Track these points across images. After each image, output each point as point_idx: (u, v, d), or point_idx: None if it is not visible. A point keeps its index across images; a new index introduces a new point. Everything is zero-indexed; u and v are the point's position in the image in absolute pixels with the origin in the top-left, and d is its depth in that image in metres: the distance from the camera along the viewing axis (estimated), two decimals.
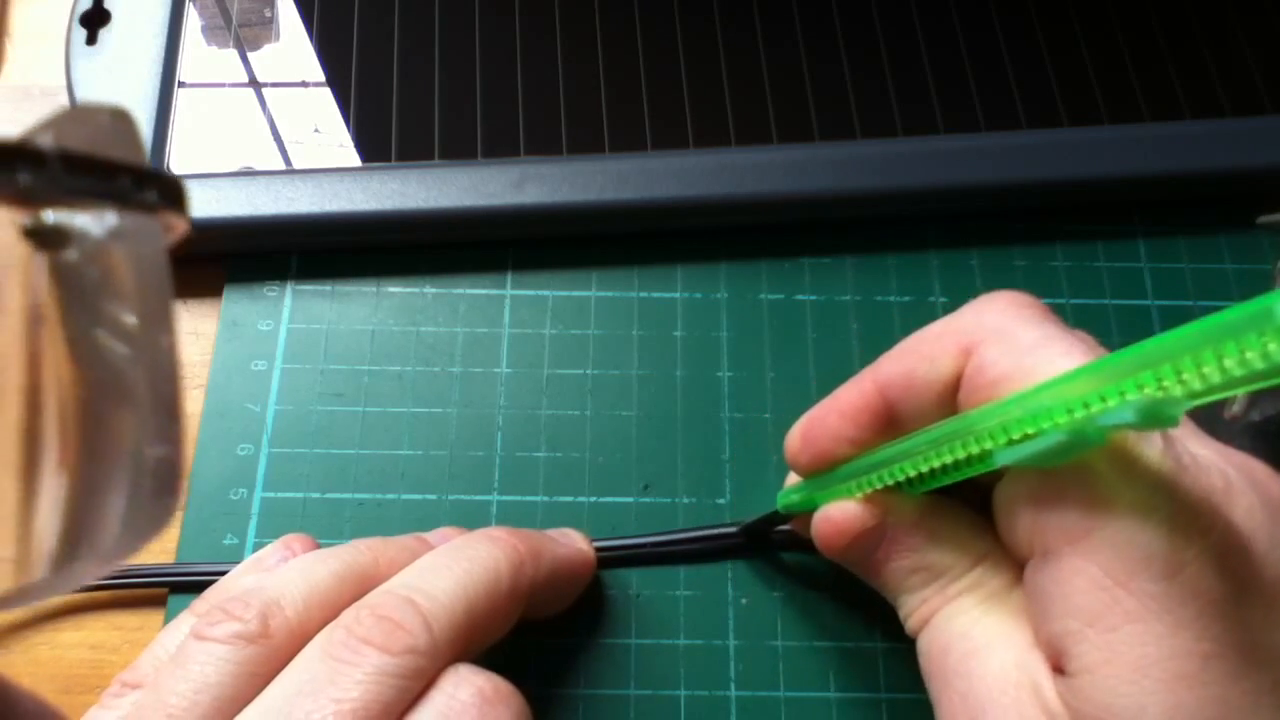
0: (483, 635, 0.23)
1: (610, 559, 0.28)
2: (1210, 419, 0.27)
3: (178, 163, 0.32)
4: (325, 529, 0.28)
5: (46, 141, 0.12)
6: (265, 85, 0.34)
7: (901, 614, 0.23)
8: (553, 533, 0.27)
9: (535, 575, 0.24)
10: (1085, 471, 0.18)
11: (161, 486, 0.13)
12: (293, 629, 0.22)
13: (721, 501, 0.29)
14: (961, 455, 0.19)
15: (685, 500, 0.29)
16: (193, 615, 0.24)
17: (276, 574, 0.23)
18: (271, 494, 0.29)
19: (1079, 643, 0.18)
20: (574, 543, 0.27)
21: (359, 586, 0.23)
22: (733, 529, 0.28)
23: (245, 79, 0.34)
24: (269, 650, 0.21)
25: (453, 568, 0.23)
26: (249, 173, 0.32)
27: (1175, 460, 0.18)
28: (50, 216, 0.13)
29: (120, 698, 0.22)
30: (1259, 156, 0.32)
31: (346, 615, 0.21)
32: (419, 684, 0.21)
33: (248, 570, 0.26)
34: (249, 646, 0.21)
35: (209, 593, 0.25)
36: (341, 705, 0.20)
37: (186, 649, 0.21)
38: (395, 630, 0.21)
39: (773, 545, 0.28)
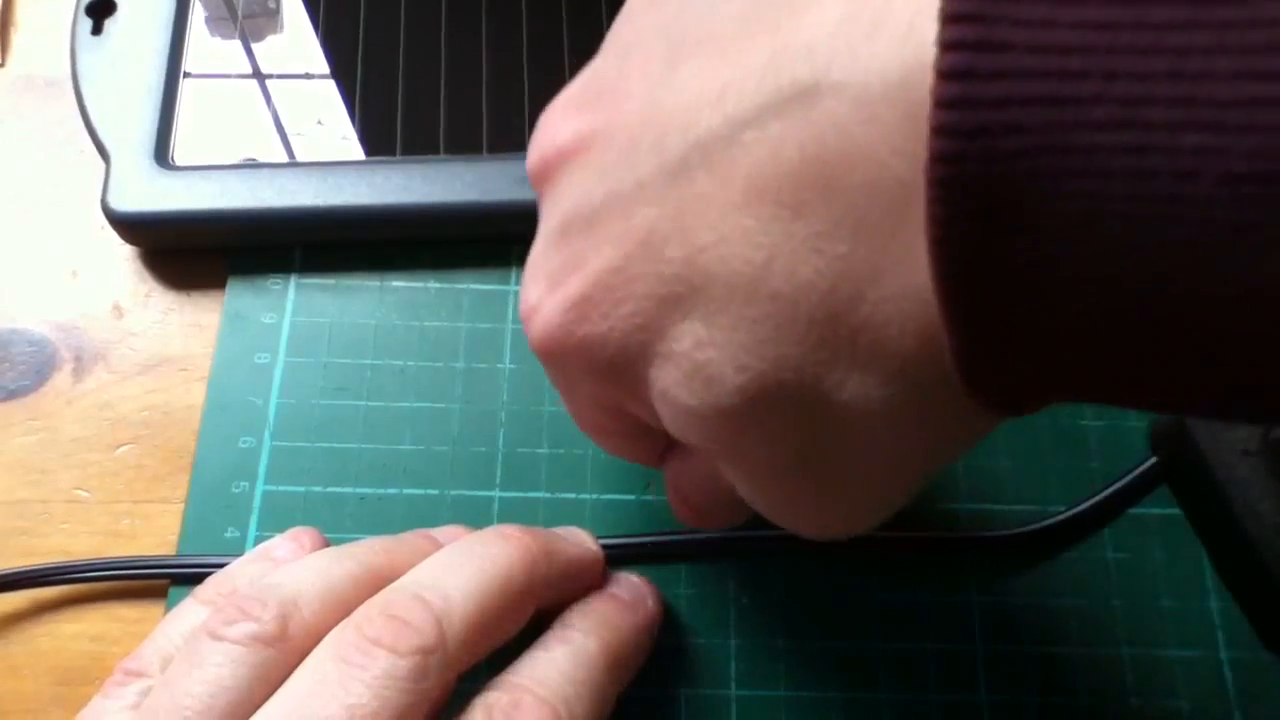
0: (496, 634, 0.23)
1: (614, 557, 0.28)
2: (1231, 452, 0.27)
3: (181, 154, 0.32)
4: (327, 523, 0.28)
5: None
6: (269, 77, 0.34)
7: None
8: (561, 531, 0.27)
9: (548, 574, 0.24)
10: None
11: None
12: (309, 630, 0.21)
13: None
14: None
15: None
16: (197, 603, 0.24)
17: (291, 571, 0.23)
18: (273, 487, 0.29)
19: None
20: (583, 542, 0.27)
21: (374, 588, 0.23)
22: (742, 533, 0.28)
23: (249, 70, 0.34)
24: (285, 652, 0.21)
25: (465, 565, 0.23)
26: (253, 165, 0.32)
27: None
28: None
29: (123, 686, 0.22)
30: None
31: (357, 614, 0.21)
32: (430, 683, 0.21)
33: (254, 560, 0.25)
34: (266, 649, 0.21)
35: (214, 579, 0.25)
36: (354, 713, 0.20)
37: (201, 647, 0.21)
38: (404, 629, 0.21)
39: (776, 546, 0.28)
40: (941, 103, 0.13)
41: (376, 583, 0.23)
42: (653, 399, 0.19)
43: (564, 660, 0.23)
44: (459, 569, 0.23)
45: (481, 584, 0.22)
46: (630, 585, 0.26)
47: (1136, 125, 0.12)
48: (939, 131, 0.13)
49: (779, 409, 0.17)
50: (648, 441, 0.23)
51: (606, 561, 0.27)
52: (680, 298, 0.17)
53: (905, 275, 0.15)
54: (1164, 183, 0.12)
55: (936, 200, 0.13)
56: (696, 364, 0.17)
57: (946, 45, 0.13)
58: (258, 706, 0.20)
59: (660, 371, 0.18)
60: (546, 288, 0.19)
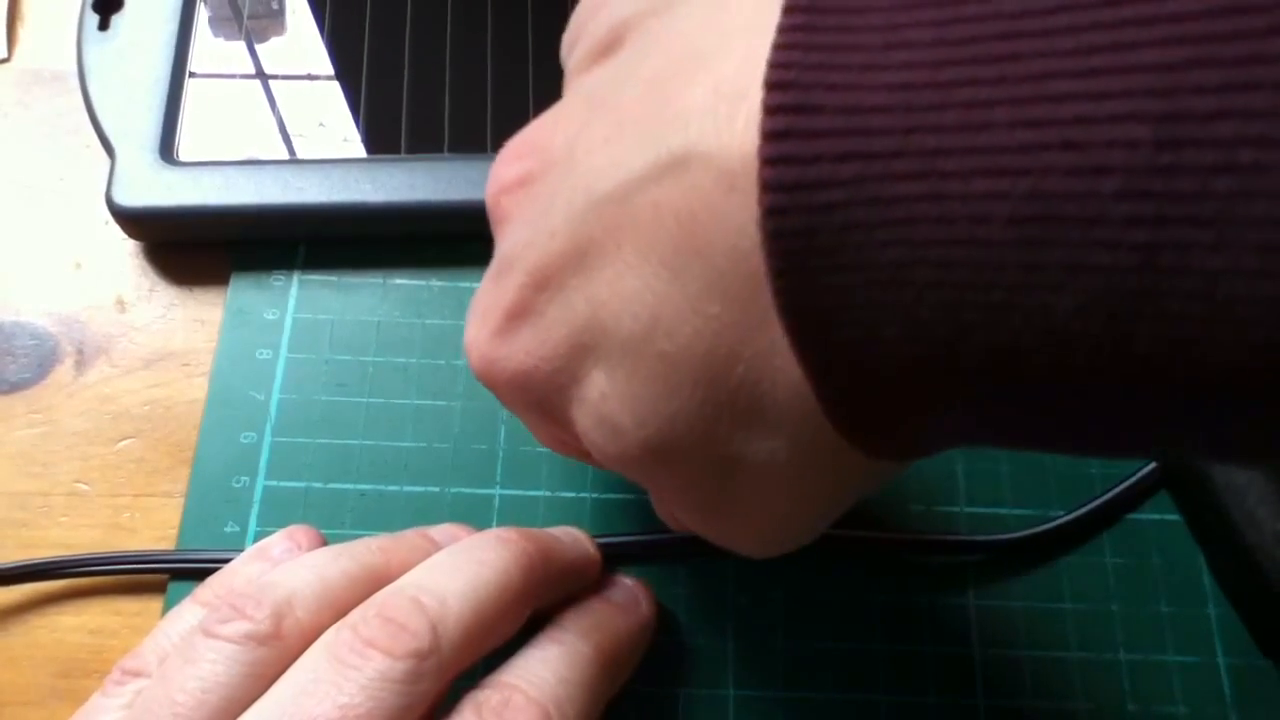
0: (492, 637, 0.23)
1: (613, 556, 0.28)
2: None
3: (186, 150, 0.32)
4: (327, 519, 0.28)
5: None
6: (273, 77, 0.34)
7: None
8: (558, 532, 0.26)
9: (545, 577, 0.24)
10: None
11: None
12: (304, 630, 0.21)
13: None
14: None
15: None
16: (196, 604, 0.24)
17: (289, 570, 0.23)
18: (274, 482, 0.29)
19: None
20: (581, 544, 0.27)
21: (370, 588, 0.22)
22: None
23: (253, 70, 0.34)
24: (279, 651, 0.21)
25: (463, 569, 0.23)
26: (258, 161, 0.32)
27: None
28: None
29: (122, 685, 0.22)
30: None
31: (353, 615, 0.21)
32: (424, 687, 0.21)
33: (252, 559, 0.25)
34: (260, 648, 0.21)
35: (213, 580, 0.25)
36: (346, 713, 0.20)
37: (195, 645, 0.21)
38: (400, 633, 0.21)
39: None
40: (767, 161, 0.14)
41: (373, 583, 0.23)
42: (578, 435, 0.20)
43: (556, 660, 0.23)
44: (456, 573, 0.23)
45: (478, 588, 0.22)
46: (624, 588, 0.27)
47: (933, 174, 0.13)
48: (765, 187, 0.14)
49: (680, 459, 0.18)
50: None
51: (605, 561, 0.27)
52: (588, 347, 0.18)
53: (769, 333, 0.16)
54: (961, 228, 0.13)
55: (771, 253, 0.14)
56: (602, 414, 0.18)
57: (769, 109, 0.14)
58: (250, 704, 0.20)
59: (577, 414, 0.19)
60: (480, 323, 0.20)
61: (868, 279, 0.14)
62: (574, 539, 0.27)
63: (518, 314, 0.19)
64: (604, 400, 0.18)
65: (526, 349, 0.19)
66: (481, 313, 0.20)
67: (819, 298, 0.14)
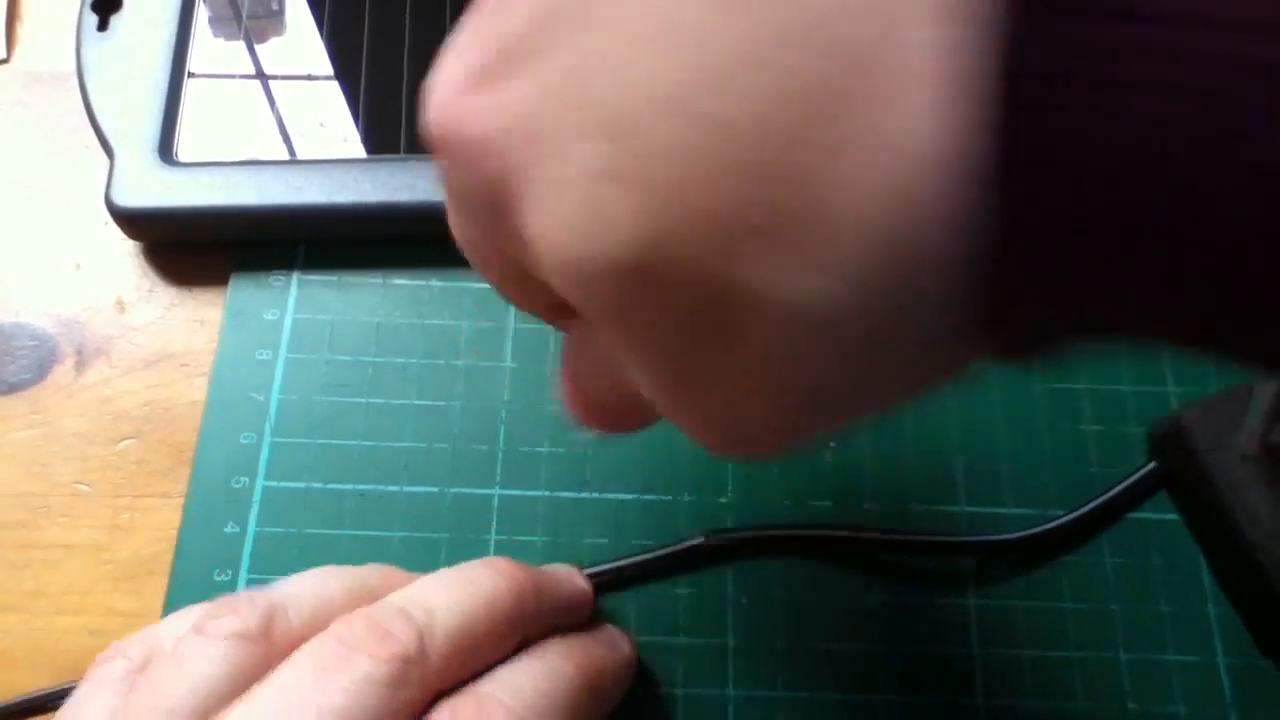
0: (480, 655, 0.22)
1: (610, 583, 0.28)
2: (1229, 458, 0.27)
3: (185, 151, 0.32)
4: (327, 519, 0.28)
5: None
6: (272, 78, 0.34)
7: None
8: (548, 569, 0.26)
9: (536, 604, 0.24)
10: None
11: None
12: (294, 635, 0.21)
13: (723, 500, 0.29)
14: None
15: (687, 498, 0.29)
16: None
17: (291, 579, 0.23)
18: (273, 483, 0.29)
19: None
20: (573, 580, 0.26)
21: (366, 604, 0.22)
22: (740, 535, 0.28)
23: (252, 71, 0.34)
24: (266, 652, 0.21)
25: (452, 586, 0.23)
26: (257, 162, 0.32)
27: None
28: None
29: (103, 665, 0.22)
30: None
31: (338, 624, 0.21)
32: (409, 693, 0.20)
33: None
34: (249, 646, 0.21)
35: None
36: (324, 715, 0.19)
37: (186, 643, 0.21)
38: (386, 637, 0.21)
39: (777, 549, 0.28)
40: None
41: (370, 600, 0.23)
42: (528, 237, 0.15)
43: (537, 675, 0.23)
44: (445, 589, 0.23)
45: (466, 604, 0.22)
46: (608, 630, 0.26)
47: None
48: None
49: (679, 279, 0.13)
50: (533, 292, 0.18)
51: (600, 589, 0.27)
52: (594, 105, 0.13)
53: (881, 112, 0.11)
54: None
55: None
56: (591, 198, 0.13)
57: None
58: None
59: (548, 199, 0.14)
60: (456, 64, 0.16)
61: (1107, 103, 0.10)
62: (567, 575, 0.26)
63: (512, 57, 0.14)
64: (599, 181, 0.13)
65: (511, 101, 0.14)
66: (461, 53, 0.16)
67: (1051, 114, 0.11)
